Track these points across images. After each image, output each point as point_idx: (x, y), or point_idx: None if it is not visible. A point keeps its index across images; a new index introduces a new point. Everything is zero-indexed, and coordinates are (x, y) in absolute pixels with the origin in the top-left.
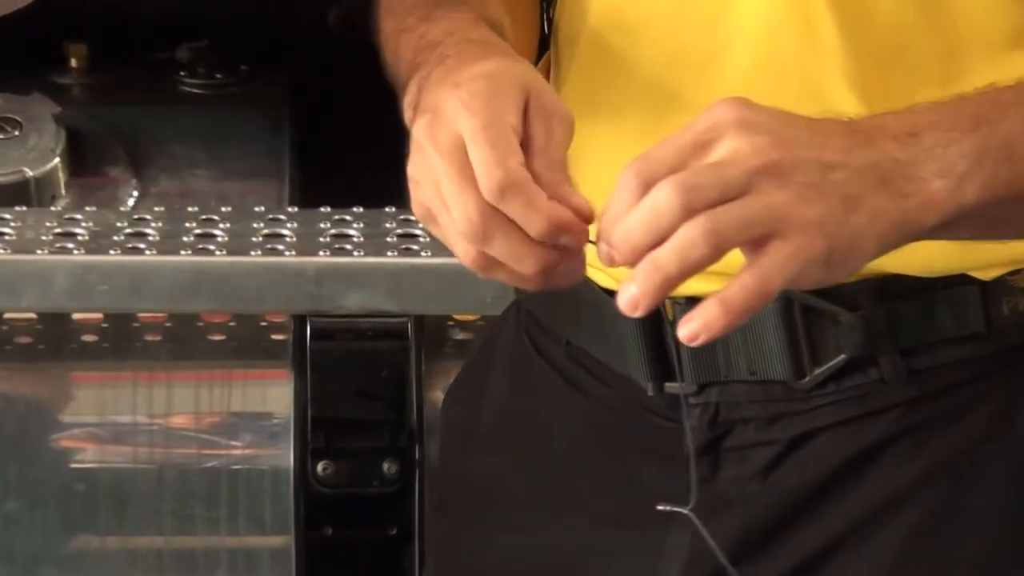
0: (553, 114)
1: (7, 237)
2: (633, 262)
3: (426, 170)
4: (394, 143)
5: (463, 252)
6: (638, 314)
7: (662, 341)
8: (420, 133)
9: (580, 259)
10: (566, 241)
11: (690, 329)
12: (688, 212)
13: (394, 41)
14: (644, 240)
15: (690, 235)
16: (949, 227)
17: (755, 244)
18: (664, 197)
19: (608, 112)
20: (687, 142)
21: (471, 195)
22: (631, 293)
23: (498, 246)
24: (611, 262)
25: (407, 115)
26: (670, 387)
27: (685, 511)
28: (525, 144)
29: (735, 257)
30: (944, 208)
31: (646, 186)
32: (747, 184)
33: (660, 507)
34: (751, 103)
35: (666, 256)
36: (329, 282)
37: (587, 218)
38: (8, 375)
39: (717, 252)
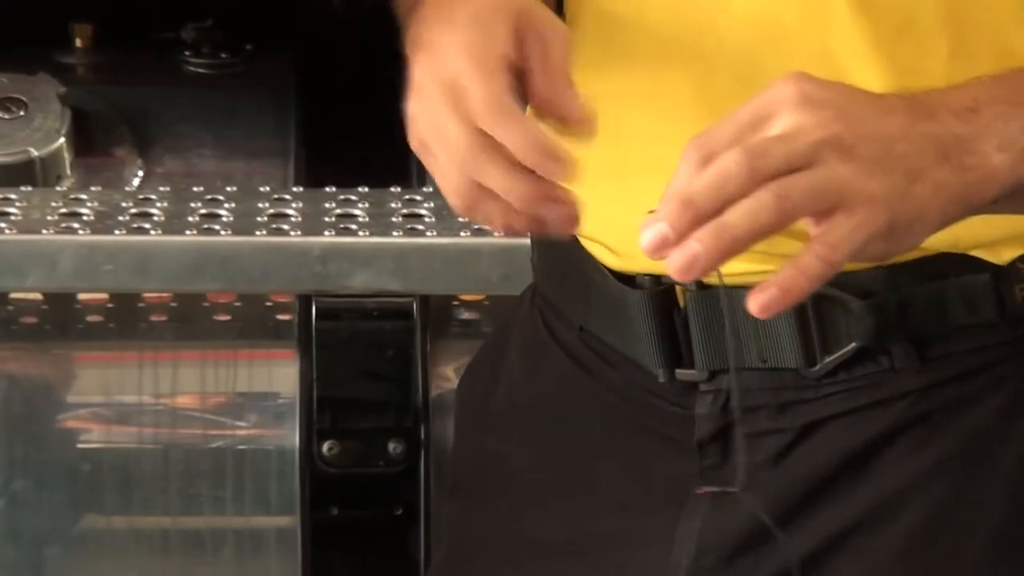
0: (546, 30)
1: (12, 217)
2: (689, 229)
3: (425, 104)
4: (399, 122)
5: (455, 184)
6: (691, 277)
7: (673, 327)
8: (419, 71)
9: (572, 207)
10: (552, 169)
11: (765, 297)
12: (755, 177)
13: None
14: (709, 203)
15: (762, 199)
16: (1008, 200)
17: (819, 216)
18: (733, 161)
19: (615, 68)
20: (746, 118)
21: (462, 124)
22: (692, 251)
23: (489, 174)
24: (664, 242)
25: (408, 51)
26: (681, 374)
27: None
28: (525, 65)
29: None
30: (1005, 181)
31: (707, 160)
32: (812, 156)
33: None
34: (813, 77)
35: (736, 218)
36: (334, 262)
37: (585, 120)
38: (14, 355)
39: (785, 220)
